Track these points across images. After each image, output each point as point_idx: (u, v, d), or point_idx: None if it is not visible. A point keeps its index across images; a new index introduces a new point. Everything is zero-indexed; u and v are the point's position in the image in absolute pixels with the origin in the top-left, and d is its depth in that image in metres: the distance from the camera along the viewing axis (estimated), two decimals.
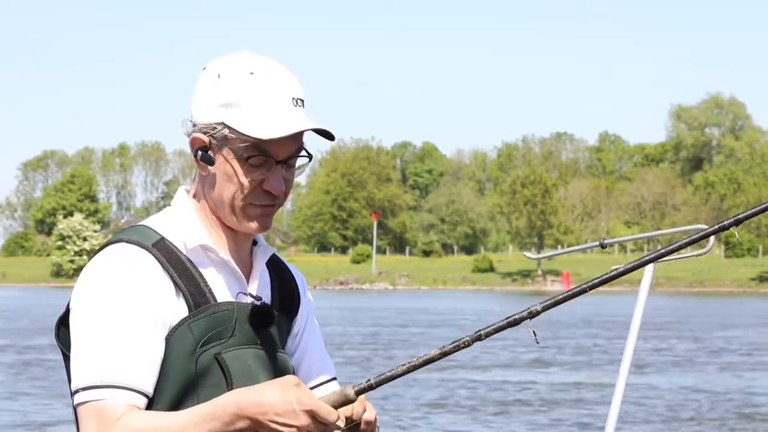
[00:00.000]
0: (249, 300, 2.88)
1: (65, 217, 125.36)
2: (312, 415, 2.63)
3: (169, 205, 2.95)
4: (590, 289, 2.71)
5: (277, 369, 2.91)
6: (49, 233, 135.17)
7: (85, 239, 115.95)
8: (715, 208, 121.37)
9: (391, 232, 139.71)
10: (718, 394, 22.43)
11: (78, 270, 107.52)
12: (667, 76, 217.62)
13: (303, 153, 2.89)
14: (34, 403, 20.64)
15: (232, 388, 2.79)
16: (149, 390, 2.73)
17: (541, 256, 4.61)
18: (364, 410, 2.82)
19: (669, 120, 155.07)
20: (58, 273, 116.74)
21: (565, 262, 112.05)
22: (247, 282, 2.92)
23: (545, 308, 2.68)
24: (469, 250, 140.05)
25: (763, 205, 2.67)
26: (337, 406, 2.68)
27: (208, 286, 2.84)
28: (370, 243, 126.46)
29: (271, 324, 2.91)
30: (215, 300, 2.83)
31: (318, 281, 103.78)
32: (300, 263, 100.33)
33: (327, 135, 2.87)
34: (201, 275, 2.84)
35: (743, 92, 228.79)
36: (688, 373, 26.57)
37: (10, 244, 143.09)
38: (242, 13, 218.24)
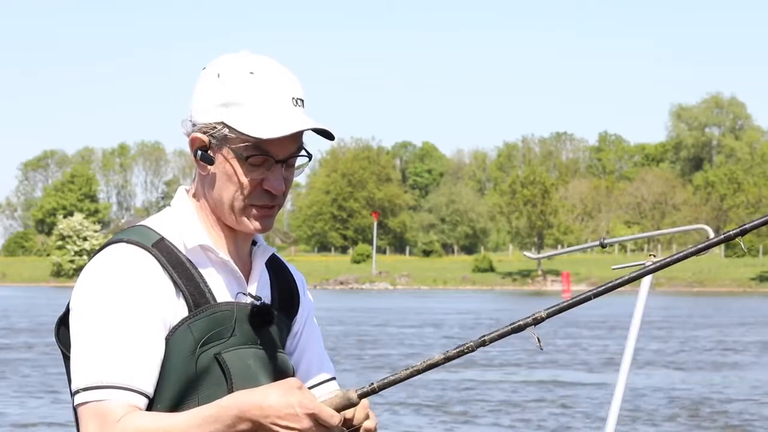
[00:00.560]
0: (249, 300, 2.88)
1: (65, 217, 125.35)
2: (314, 418, 2.63)
3: (169, 205, 2.95)
4: (594, 297, 2.71)
5: (277, 369, 2.92)
6: (49, 233, 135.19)
7: (85, 239, 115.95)
8: (715, 208, 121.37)
9: (391, 232, 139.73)
10: (718, 394, 22.43)
11: (78, 270, 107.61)
12: (667, 76, 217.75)
13: (302, 153, 2.89)
14: (34, 402, 20.64)
15: (232, 388, 2.80)
16: (149, 390, 2.73)
17: (541, 256, 4.61)
18: (366, 417, 2.82)
19: (669, 120, 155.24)
20: (58, 273, 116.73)
21: (565, 261, 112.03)
22: (247, 282, 2.92)
23: (550, 315, 2.68)
24: (469, 250, 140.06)
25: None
26: (339, 409, 2.68)
27: (207, 286, 2.84)
28: (370, 243, 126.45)
29: (270, 324, 2.91)
30: (215, 300, 2.83)
31: (318, 281, 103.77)
32: (300, 263, 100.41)
33: (327, 135, 2.87)
34: (201, 275, 2.84)
35: (743, 92, 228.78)
36: (688, 373, 26.57)
37: (10, 244, 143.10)
38: (242, 13, 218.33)
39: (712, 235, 4.33)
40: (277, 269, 3.04)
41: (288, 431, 2.64)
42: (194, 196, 2.93)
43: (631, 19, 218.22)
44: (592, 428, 17.95)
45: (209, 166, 2.85)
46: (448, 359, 2.67)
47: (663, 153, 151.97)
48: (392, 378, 2.70)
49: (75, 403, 2.73)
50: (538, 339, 2.68)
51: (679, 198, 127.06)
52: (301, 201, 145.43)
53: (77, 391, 2.71)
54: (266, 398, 2.64)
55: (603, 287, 2.72)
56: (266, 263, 2.99)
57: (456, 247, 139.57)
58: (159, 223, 2.88)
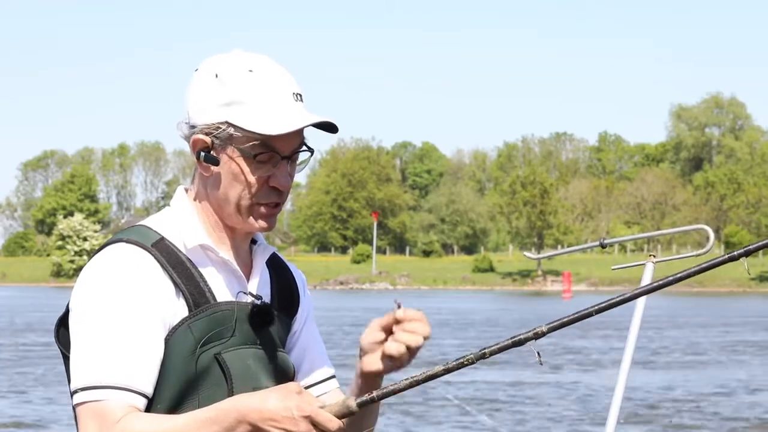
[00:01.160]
0: (249, 299, 2.88)
1: (65, 217, 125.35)
2: (312, 422, 2.63)
3: (169, 205, 2.94)
4: (596, 313, 2.69)
5: (277, 369, 2.91)
6: (49, 233, 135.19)
7: (85, 239, 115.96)
8: (715, 208, 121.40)
9: (391, 232, 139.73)
10: (718, 394, 22.43)
11: (78, 270, 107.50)
12: (667, 76, 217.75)
13: (304, 148, 2.89)
14: (34, 402, 20.64)
15: (232, 388, 2.79)
16: (149, 391, 2.73)
17: (541, 256, 4.60)
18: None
19: (669, 120, 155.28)
20: (58, 273, 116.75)
21: (565, 262, 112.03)
22: (248, 281, 2.92)
23: (551, 330, 2.67)
24: (469, 250, 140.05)
25: None
26: (338, 417, 2.68)
27: (207, 285, 2.83)
28: (370, 243, 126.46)
29: (271, 323, 2.91)
30: (215, 300, 2.83)
31: (318, 281, 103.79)
32: (300, 263, 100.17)
33: (331, 128, 2.87)
34: (201, 275, 2.83)
35: (743, 92, 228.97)
36: (688, 373, 26.57)
37: (10, 244, 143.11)
38: (241, 13, 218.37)
39: (711, 235, 4.32)
40: (277, 268, 3.04)
41: None
42: (195, 196, 2.92)
43: (631, 19, 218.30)
44: (592, 429, 17.95)
45: (213, 167, 2.85)
46: (447, 371, 2.68)
47: (663, 153, 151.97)
48: (392, 388, 2.70)
49: (74, 403, 2.72)
50: (538, 354, 2.67)
51: (679, 198, 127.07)
52: (301, 201, 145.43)
53: (76, 391, 2.71)
54: (265, 402, 2.64)
55: (605, 303, 2.70)
56: (266, 262, 2.99)
57: (456, 247, 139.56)
58: (159, 223, 2.88)
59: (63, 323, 2.85)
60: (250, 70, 2.84)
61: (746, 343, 35.81)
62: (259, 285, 2.93)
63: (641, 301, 4.37)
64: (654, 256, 4.45)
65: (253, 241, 2.98)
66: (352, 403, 2.69)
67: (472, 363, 2.67)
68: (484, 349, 2.68)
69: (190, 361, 2.77)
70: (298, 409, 2.63)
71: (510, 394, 22.14)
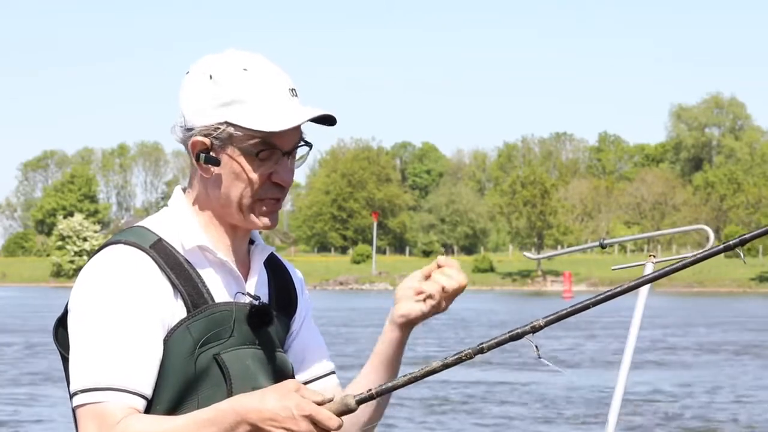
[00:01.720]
0: (247, 300, 2.88)
1: (65, 217, 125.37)
2: (312, 420, 2.63)
3: (167, 205, 2.94)
4: (593, 305, 2.69)
5: (276, 369, 2.91)
6: (49, 233, 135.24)
7: (85, 239, 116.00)
8: (715, 209, 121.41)
9: (391, 232, 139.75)
10: (718, 395, 22.43)
11: (78, 270, 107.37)
12: (667, 76, 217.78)
13: (303, 143, 2.88)
14: (32, 402, 20.64)
15: (231, 389, 2.79)
16: (148, 392, 2.73)
17: (541, 256, 4.60)
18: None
19: (669, 120, 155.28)
20: (58, 273, 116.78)
21: (565, 262, 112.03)
22: (246, 281, 2.91)
23: (548, 323, 2.67)
24: (469, 250, 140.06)
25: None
26: (337, 414, 2.67)
27: (206, 286, 2.83)
28: (370, 243, 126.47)
29: (269, 324, 2.90)
30: (213, 300, 2.83)
31: (318, 281, 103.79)
32: (300, 263, 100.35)
33: (330, 121, 2.87)
34: (199, 276, 2.83)
35: (743, 92, 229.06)
36: (688, 373, 26.57)
37: (10, 244, 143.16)
38: (241, 13, 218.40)
39: (711, 235, 4.31)
40: (275, 268, 3.03)
41: None
42: (194, 197, 2.91)
43: (631, 19, 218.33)
44: (592, 429, 17.94)
45: (214, 168, 2.84)
46: (446, 366, 2.67)
47: (663, 153, 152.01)
48: (390, 384, 2.70)
49: (73, 405, 2.72)
50: (536, 347, 2.67)
51: (679, 198, 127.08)
52: (301, 201, 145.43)
53: (75, 393, 2.71)
54: (264, 402, 2.63)
55: (602, 296, 2.70)
56: (264, 262, 2.99)
57: (456, 248, 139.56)
58: (157, 224, 2.87)
59: (62, 324, 2.84)
60: (245, 69, 2.83)
61: (746, 344, 35.81)
62: (257, 285, 2.93)
63: (641, 301, 4.36)
64: (654, 256, 4.44)
65: (251, 242, 2.98)
66: (351, 401, 2.69)
67: (471, 358, 2.67)
68: (482, 343, 2.68)
69: (189, 362, 2.77)
70: (297, 408, 2.63)
71: (509, 394, 22.13)
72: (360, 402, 2.69)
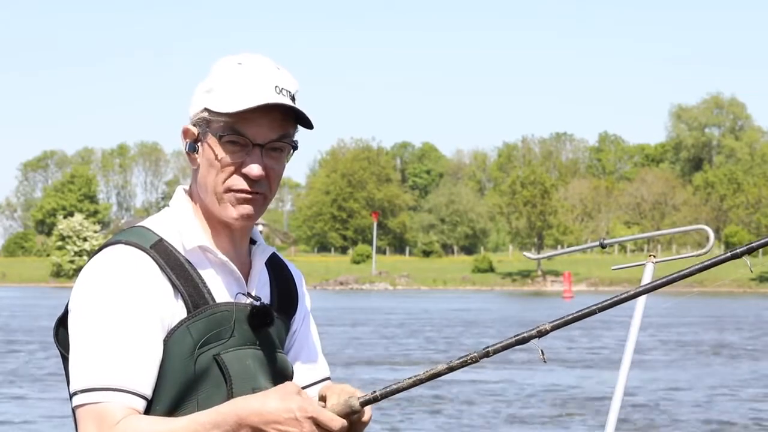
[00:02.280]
0: (248, 300, 2.87)
1: (65, 217, 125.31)
2: (315, 422, 2.63)
3: (168, 205, 2.94)
4: (599, 311, 2.69)
5: (276, 369, 2.91)
6: (49, 233, 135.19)
7: (85, 239, 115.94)
8: (715, 209, 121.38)
9: (391, 232, 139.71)
10: (719, 394, 22.43)
11: (78, 270, 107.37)
12: (667, 76, 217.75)
13: (286, 142, 2.85)
14: (32, 402, 20.63)
15: (231, 389, 2.79)
16: (148, 392, 2.72)
17: (541, 256, 4.60)
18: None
19: (669, 120, 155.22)
20: (58, 273, 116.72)
21: (565, 262, 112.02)
22: (247, 282, 2.91)
23: (554, 328, 2.67)
24: (469, 250, 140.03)
25: None
26: (341, 416, 2.67)
27: (206, 286, 2.83)
28: (370, 243, 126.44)
29: (270, 325, 2.90)
30: (214, 301, 2.82)
31: (318, 281, 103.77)
32: (300, 263, 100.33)
33: (305, 122, 2.86)
34: (200, 276, 2.83)
35: (743, 92, 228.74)
36: (687, 373, 26.56)
37: (10, 244, 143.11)
38: (242, 13, 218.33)
39: (711, 235, 4.31)
40: (276, 268, 3.03)
41: None
42: (191, 194, 2.93)
43: (631, 19, 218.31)
44: (592, 429, 17.94)
45: (196, 157, 2.86)
46: (451, 369, 2.67)
47: (663, 153, 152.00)
48: (395, 387, 2.69)
49: (73, 405, 2.72)
50: (542, 352, 2.67)
51: (679, 198, 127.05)
52: (300, 201, 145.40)
53: (75, 393, 2.71)
54: (265, 404, 2.63)
55: (608, 301, 2.70)
56: (266, 262, 2.99)
57: (456, 248, 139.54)
58: (158, 224, 2.87)
59: (62, 324, 2.84)
60: (239, 63, 2.85)
61: (745, 344, 35.81)
62: (258, 286, 2.93)
63: (641, 301, 4.37)
64: (654, 256, 4.45)
65: (253, 242, 2.98)
66: (355, 403, 2.68)
67: (476, 361, 2.67)
68: (488, 347, 2.67)
69: (189, 363, 2.77)
70: (300, 409, 2.62)
71: (509, 393, 22.13)
72: (364, 404, 2.69)
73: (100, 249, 2.81)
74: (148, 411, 2.73)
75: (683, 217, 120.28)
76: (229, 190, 2.83)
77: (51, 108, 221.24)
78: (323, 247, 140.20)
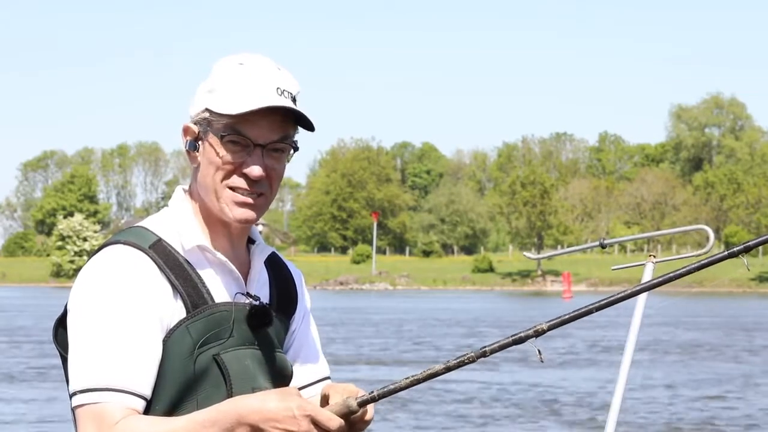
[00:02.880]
0: (247, 300, 2.87)
1: (65, 217, 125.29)
2: (313, 421, 2.63)
3: (168, 205, 2.94)
4: (597, 310, 2.69)
5: (276, 369, 2.91)
6: (49, 233, 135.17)
7: (85, 239, 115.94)
8: (715, 209, 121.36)
9: (391, 232, 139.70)
10: (718, 395, 22.43)
11: (78, 270, 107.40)
12: (667, 76, 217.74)
13: (287, 143, 2.86)
14: (31, 402, 20.63)
15: (230, 389, 2.79)
16: (147, 393, 2.72)
17: (540, 256, 4.60)
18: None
19: (669, 120, 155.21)
20: (58, 273, 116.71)
21: (565, 262, 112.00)
22: (246, 281, 2.91)
23: (551, 327, 2.67)
24: (469, 250, 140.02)
25: None
26: (339, 416, 2.67)
27: (206, 286, 2.83)
28: (370, 243, 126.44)
29: (269, 325, 2.90)
30: (213, 301, 2.82)
31: (318, 281, 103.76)
32: (300, 263, 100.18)
33: (306, 124, 2.86)
34: (199, 276, 2.83)
35: (743, 92, 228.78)
36: (687, 373, 26.56)
37: (10, 244, 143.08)
38: (242, 13, 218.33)
39: (711, 235, 4.31)
40: (275, 267, 3.03)
41: None
42: (190, 194, 2.93)
43: (631, 19, 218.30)
44: (592, 429, 17.94)
45: (197, 155, 2.86)
46: (448, 369, 2.67)
47: (663, 153, 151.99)
48: (393, 387, 2.70)
49: (73, 405, 2.72)
50: (539, 351, 2.67)
51: (679, 198, 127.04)
52: (300, 201, 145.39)
53: (75, 393, 2.70)
54: (265, 403, 2.64)
55: (605, 300, 2.70)
56: (265, 262, 2.98)
57: (456, 248, 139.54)
58: (157, 224, 2.87)
59: (61, 324, 2.84)
60: (241, 63, 2.86)
61: (746, 344, 35.81)
62: (257, 285, 2.93)
63: (641, 302, 4.36)
64: (654, 256, 4.45)
65: (251, 241, 2.98)
66: (353, 403, 2.69)
67: (473, 361, 2.67)
68: (485, 347, 2.68)
69: (188, 363, 2.77)
70: (299, 408, 2.63)
71: (506, 392, 22.12)
72: (362, 404, 2.69)
73: (99, 249, 2.81)
74: (147, 411, 2.73)
75: (683, 217, 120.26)
76: (229, 189, 2.83)
77: (51, 108, 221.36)
78: (323, 247, 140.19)
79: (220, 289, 2.85)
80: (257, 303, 2.87)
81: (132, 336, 2.71)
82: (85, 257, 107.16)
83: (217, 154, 2.82)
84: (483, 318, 50.46)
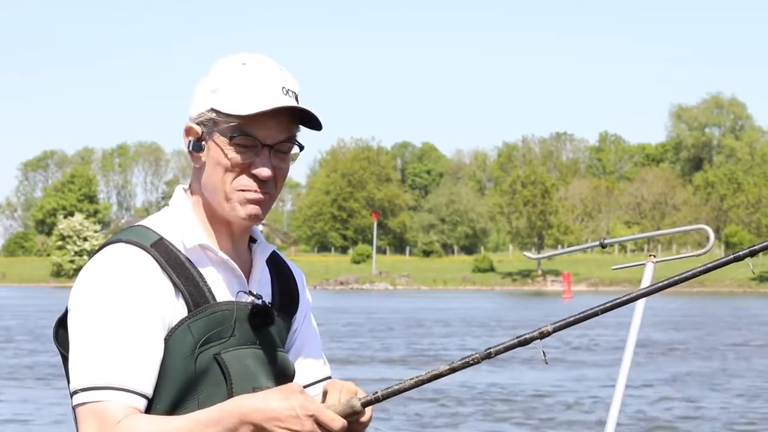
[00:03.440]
0: (249, 299, 2.87)
1: (65, 217, 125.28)
2: (316, 420, 2.63)
3: (168, 204, 2.94)
4: (602, 312, 2.69)
5: (277, 369, 2.91)
6: (49, 233, 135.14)
7: (85, 239, 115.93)
8: (715, 208, 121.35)
9: (391, 232, 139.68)
10: (718, 395, 22.43)
11: (78, 270, 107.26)
12: (667, 76, 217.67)
13: (294, 142, 2.87)
14: (31, 402, 20.63)
15: (231, 388, 2.79)
16: (148, 391, 2.72)
17: (541, 256, 4.60)
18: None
19: (669, 120, 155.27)
20: (58, 273, 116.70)
21: (565, 262, 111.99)
22: (248, 280, 2.91)
23: (556, 329, 2.67)
24: (469, 250, 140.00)
25: None
26: (342, 416, 2.67)
27: (207, 285, 2.83)
28: (370, 243, 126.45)
29: (270, 324, 2.90)
30: (215, 300, 2.82)
31: (318, 281, 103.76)
32: (300, 263, 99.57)
33: (314, 124, 2.86)
34: (200, 275, 2.83)
35: (743, 92, 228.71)
36: (687, 373, 26.56)
37: (10, 244, 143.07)
38: (242, 13, 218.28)
39: (712, 235, 4.32)
40: (277, 266, 3.03)
41: None
42: (191, 193, 2.93)
43: (632, 19, 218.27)
44: (592, 429, 17.94)
45: (201, 156, 2.85)
46: (453, 370, 2.67)
47: (663, 153, 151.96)
48: (397, 387, 2.69)
49: (74, 404, 2.72)
50: (544, 353, 2.67)
51: (679, 198, 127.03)
52: (301, 201, 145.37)
53: (76, 392, 2.70)
54: (268, 402, 2.63)
55: (610, 303, 2.70)
56: (266, 261, 2.98)
57: (456, 248, 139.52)
58: (158, 223, 2.87)
59: (62, 324, 2.84)
60: (243, 63, 2.86)
61: (745, 345, 35.81)
62: (259, 284, 2.93)
63: (641, 302, 4.36)
64: (654, 256, 4.45)
65: (253, 240, 2.98)
66: (356, 403, 2.68)
67: (478, 362, 2.67)
68: (490, 348, 2.67)
69: (190, 362, 2.77)
70: (302, 407, 2.63)
71: (511, 394, 22.13)
72: (365, 405, 2.69)
73: (101, 248, 2.81)
74: (148, 410, 2.73)
75: (683, 217, 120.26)
76: (238, 190, 2.83)
77: (51, 108, 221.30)
78: (323, 247, 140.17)
79: (221, 287, 2.85)
80: (259, 302, 2.87)
81: (133, 334, 2.71)
82: (86, 257, 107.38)
83: (225, 155, 2.82)
84: (483, 318, 50.46)
